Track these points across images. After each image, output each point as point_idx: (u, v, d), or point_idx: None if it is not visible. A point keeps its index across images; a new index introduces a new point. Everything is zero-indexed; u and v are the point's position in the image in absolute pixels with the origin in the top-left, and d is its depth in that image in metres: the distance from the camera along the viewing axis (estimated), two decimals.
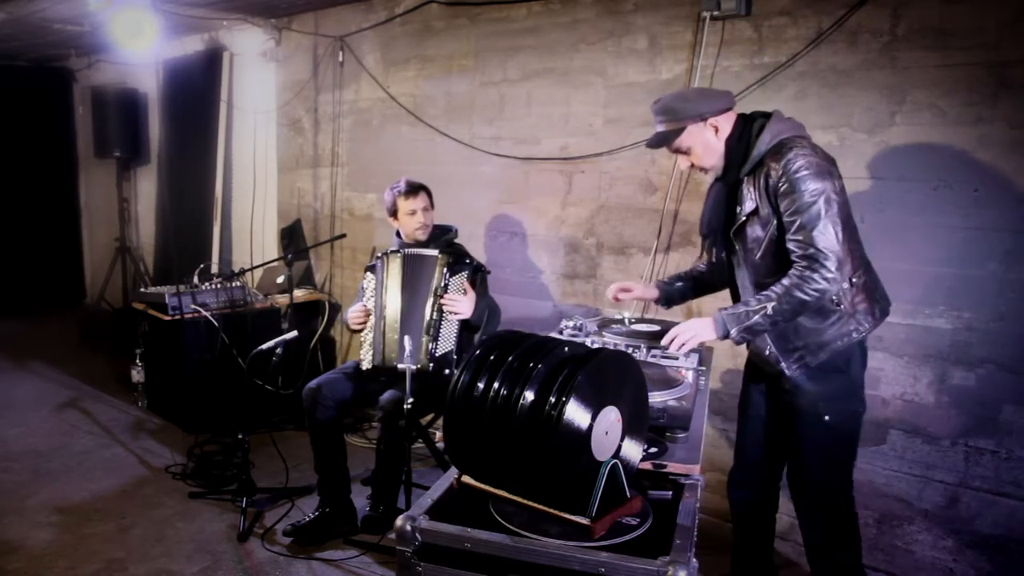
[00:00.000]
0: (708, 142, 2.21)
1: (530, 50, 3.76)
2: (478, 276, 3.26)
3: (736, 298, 2.40)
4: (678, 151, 2.27)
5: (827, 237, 2.02)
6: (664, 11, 3.28)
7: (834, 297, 2.12)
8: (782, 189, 2.08)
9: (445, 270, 3.16)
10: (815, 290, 2.03)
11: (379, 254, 3.28)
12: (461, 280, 3.18)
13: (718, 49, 3.12)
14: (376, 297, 3.21)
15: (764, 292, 2.10)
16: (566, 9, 3.61)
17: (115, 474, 3.69)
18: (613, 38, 3.46)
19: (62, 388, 5.02)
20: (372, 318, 3.19)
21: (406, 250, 3.24)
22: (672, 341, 2.16)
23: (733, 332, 2.11)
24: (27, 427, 4.29)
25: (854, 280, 2.17)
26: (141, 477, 3.68)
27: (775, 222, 2.14)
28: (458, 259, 3.22)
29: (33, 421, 4.39)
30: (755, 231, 2.20)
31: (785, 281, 2.07)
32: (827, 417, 2.22)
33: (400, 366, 3.01)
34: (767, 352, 2.25)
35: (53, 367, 5.48)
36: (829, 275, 2.02)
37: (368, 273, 3.29)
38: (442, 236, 3.37)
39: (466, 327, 3.20)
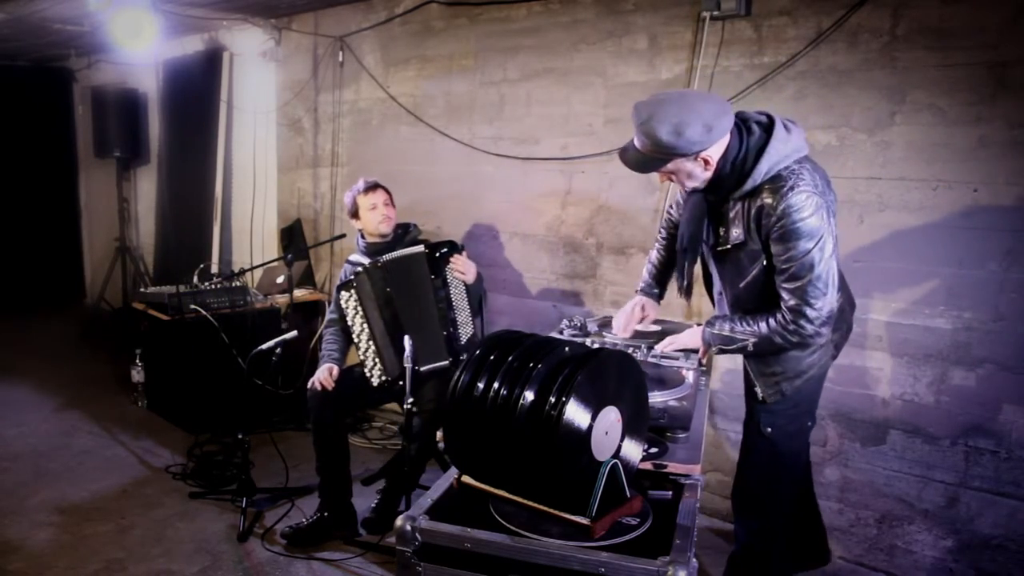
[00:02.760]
0: (693, 172, 2.00)
1: (530, 50, 3.76)
2: (458, 250, 3.21)
3: (713, 301, 2.41)
4: (662, 173, 2.06)
5: (818, 291, 1.94)
6: (664, 11, 3.28)
7: None
8: (776, 234, 1.94)
9: (439, 261, 3.10)
10: (797, 342, 2.03)
11: (345, 276, 3.17)
12: (451, 257, 3.14)
13: (718, 49, 3.12)
14: (367, 314, 3.06)
15: (751, 322, 2.06)
16: (566, 9, 3.61)
17: (115, 474, 3.69)
18: (613, 38, 3.46)
19: (62, 388, 5.01)
20: (363, 337, 3.07)
21: (387, 257, 3.10)
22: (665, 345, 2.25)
23: (715, 351, 2.17)
24: (27, 427, 4.28)
25: (835, 310, 2.10)
26: (141, 477, 3.68)
27: (763, 261, 2.03)
28: (433, 247, 3.14)
29: (33, 421, 4.38)
30: (740, 262, 2.10)
31: (771, 322, 2.02)
32: (769, 430, 2.23)
33: (421, 369, 2.97)
34: (747, 370, 2.28)
35: (53, 367, 5.48)
36: (812, 329, 1.98)
37: (343, 292, 3.05)
38: (405, 235, 3.32)
39: (471, 301, 3.17)
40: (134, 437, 4.18)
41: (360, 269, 3.10)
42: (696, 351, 2.22)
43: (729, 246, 2.09)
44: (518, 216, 3.93)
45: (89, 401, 4.76)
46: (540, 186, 3.81)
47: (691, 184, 2.05)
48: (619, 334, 2.42)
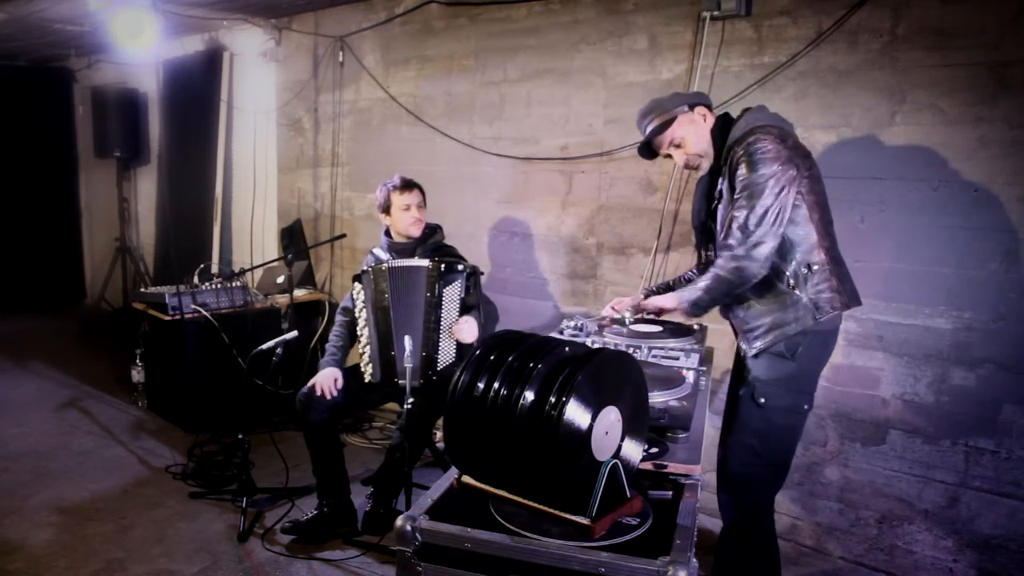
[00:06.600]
0: (698, 129, 2.29)
1: (530, 50, 3.76)
2: (471, 281, 3.16)
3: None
4: (671, 144, 2.33)
5: (755, 217, 2.06)
6: (664, 11, 3.28)
7: (791, 280, 2.15)
8: (738, 169, 2.13)
9: (438, 281, 3.07)
10: (732, 270, 2.10)
11: (365, 266, 3.18)
12: (455, 290, 3.10)
13: (718, 49, 3.12)
14: (367, 312, 3.12)
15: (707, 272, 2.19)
16: (566, 9, 3.61)
17: (115, 474, 3.69)
18: (613, 38, 3.46)
19: (62, 388, 5.02)
20: (365, 332, 3.13)
21: (393, 263, 3.13)
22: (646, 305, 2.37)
23: (685, 306, 2.23)
24: (27, 427, 4.28)
25: (814, 267, 2.16)
26: (141, 477, 3.68)
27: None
28: (449, 266, 3.10)
29: (33, 421, 4.39)
30: (721, 213, 2.26)
31: (717, 260, 2.15)
32: (761, 400, 2.23)
33: (400, 382, 2.95)
34: (736, 333, 2.35)
35: (53, 367, 5.48)
36: (740, 254, 2.07)
37: (356, 283, 3.17)
38: (431, 237, 3.29)
39: None
40: (134, 437, 4.18)
41: (367, 268, 3.14)
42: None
43: (716, 200, 2.28)
44: (518, 216, 3.93)
45: (89, 401, 4.76)
46: (540, 186, 3.81)
47: (699, 146, 2.29)
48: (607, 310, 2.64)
